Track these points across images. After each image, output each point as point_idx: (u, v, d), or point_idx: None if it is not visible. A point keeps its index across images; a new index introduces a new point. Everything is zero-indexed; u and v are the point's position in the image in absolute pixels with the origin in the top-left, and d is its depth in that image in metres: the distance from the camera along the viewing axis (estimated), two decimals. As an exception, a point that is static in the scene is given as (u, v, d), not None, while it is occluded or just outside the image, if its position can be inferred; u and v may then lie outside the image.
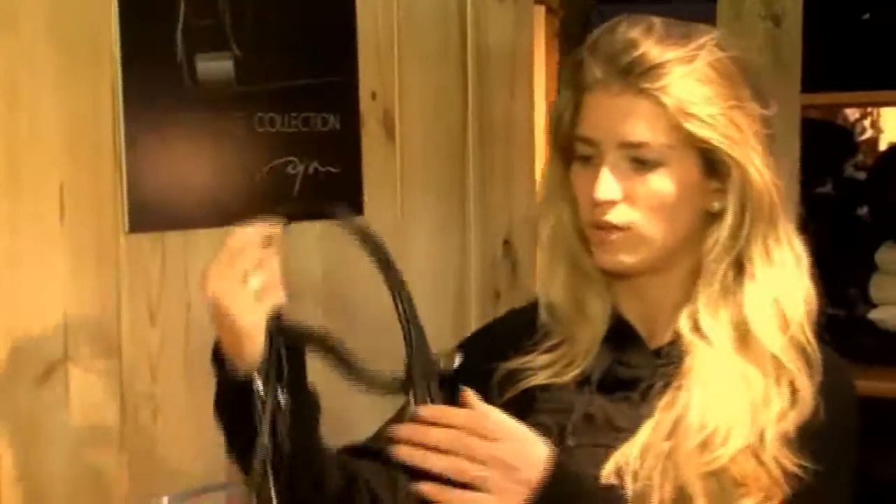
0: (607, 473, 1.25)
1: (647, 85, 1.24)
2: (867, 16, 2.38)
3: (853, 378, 1.36)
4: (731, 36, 1.31)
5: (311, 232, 1.94)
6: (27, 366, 1.62)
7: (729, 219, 1.28)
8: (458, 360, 1.24)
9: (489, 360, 1.37)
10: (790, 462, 1.23)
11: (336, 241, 1.97)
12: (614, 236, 1.28)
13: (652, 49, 1.24)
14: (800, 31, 2.12)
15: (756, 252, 1.29)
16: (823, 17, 2.26)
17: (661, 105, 1.24)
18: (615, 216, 1.27)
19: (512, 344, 1.38)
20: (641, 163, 1.26)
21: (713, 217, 1.30)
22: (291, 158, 1.89)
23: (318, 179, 1.92)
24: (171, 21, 1.75)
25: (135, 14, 1.71)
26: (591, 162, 1.28)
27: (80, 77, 1.67)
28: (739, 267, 1.29)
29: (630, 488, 1.24)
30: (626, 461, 1.25)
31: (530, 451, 1.19)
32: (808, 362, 1.28)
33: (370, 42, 2.00)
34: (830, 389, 1.28)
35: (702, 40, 1.26)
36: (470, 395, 1.20)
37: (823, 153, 2.56)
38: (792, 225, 1.32)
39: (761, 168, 1.27)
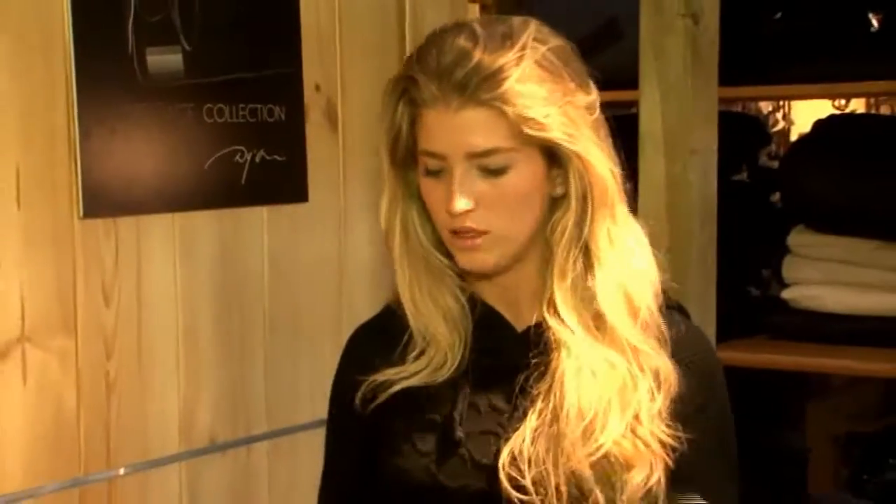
0: (504, 462, 1.28)
1: (485, 96, 1.25)
2: (779, 15, 2.49)
3: (715, 347, 1.42)
4: (544, 24, 1.32)
5: (258, 217, 2.00)
6: (-15, 345, 1.67)
7: (573, 207, 1.31)
8: None
9: (364, 375, 1.39)
10: (667, 435, 1.29)
11: (282, 226, 2.04)
12: (477, 240, 1.30)
13: (484, 58, 1.25)
14: (717, 28, 2.15)
15: (600, 237, 1.31)
16: (739, 15, 2.35)
17: (502, 113, 1.25)
18: (473, 221, 1.29)
19: (378, 356, 1.39)
20: (490, 170, 1.28)
21: (555, 202, 1.33)
22: (239, 147, 1.94)
23: (264, 168, 1.97)
24: (122, 16, 1.79)
25: (87, 9, 1.75)
26: (442, 174, 1.30)
27: (35, 70, 1.71)
28: (587, 253, 1.32)
29: (528, 474, 1.27)
30: (519, 449, 1.28)
31: None
32: (660, 341, 1.32)
33: (313, 36, 2.04)
34: (693, 360, 1.34)
35: (523, 38, 1.27)
36: None
37: (739, 143, 2.64)
38: (627, 208, 1.35)
39: (599, 156, 1.30)
